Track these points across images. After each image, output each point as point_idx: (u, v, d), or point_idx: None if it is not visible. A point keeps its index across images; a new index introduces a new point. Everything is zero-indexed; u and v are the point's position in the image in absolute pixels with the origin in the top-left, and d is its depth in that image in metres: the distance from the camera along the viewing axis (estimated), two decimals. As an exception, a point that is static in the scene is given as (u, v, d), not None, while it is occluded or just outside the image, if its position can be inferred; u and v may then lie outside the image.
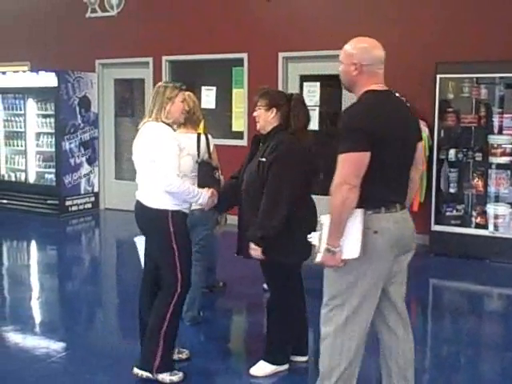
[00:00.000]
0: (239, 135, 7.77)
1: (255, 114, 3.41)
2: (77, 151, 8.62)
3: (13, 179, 9.02)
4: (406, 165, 2.72)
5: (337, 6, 7.12)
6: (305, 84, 7.37)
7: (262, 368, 3.48)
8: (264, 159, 3.26)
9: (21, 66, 9.30)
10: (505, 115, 6.08)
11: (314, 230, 3.41)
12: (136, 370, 3.36)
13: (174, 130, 3.43)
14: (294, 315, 3.47)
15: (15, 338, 4.14)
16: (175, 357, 3.62)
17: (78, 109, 8.58)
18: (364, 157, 2.50)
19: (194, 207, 3.62)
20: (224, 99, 7.93)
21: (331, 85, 7.39)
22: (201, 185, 3.59)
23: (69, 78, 8.42)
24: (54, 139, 8.47)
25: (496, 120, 6.14)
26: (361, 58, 2.62)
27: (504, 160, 6.04)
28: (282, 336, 3.48)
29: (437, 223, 6.25)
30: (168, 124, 3.33)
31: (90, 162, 8.87)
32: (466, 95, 6.24)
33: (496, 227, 6.12)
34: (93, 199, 8.94)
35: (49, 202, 8.50)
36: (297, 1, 7.37)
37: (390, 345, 2.80)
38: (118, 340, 4.20)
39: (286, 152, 3.23)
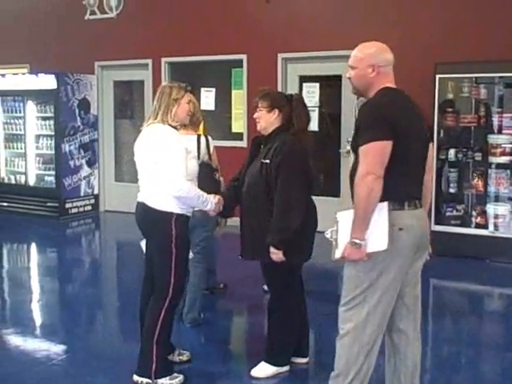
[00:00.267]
0: (239, 136, 7.77)
1: (256, 115, 3.40)
2: (76, 153, 8.62)
3: (13, 182, 9.02)
4: (422, 161, 2.76)
5: (336, 7, 7.12)
6: (304, 85, 7.38)
7: (263, 369, 3.48)
8: (268, 161, 3.25)
9: (20, 68, 9.30)
10: (504, 115, 6.08)
11: (315, 232, 3.44)
12: (136, 378, 3.32)
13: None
14: (294, 317, 3.47)
15: (16, 340, 4.14)
16: (176, 359, 3.63)
17: (77, 111, 8.58)
18: (387, 146, 2.51)
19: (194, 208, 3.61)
20: (223, 100, 7.93)
21: (331, 85, 7.41)
22: (201, 186, 3.59)
23: (68, 80, 8.42)
24: (53, 141, 8.47)
25: (495, 120, 6.14)
26: (377, 59, 2.70)
27: (504, 160, 6.04)
28: (283, 337, 3.47)
29: (437, 223, 6.24)
30: (174, 127, 3.29)
31: (90, 164, 8.87)
32: (466, 95, 6.24)
33: (496, 227, 6.12)
34: (93, 201, 8.94)
35: (49, 204, 8.49)
36: (296, 2, 7.37)
37: (399, 346, 2.81)
38: (118, 342, 4.19)
39: (291, 153, 3.23)
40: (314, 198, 3.42)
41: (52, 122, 8.46)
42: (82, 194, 8.74)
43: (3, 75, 8.89)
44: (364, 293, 2.63)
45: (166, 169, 3.16)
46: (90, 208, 8.87)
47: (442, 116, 6.21)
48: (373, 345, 2.68)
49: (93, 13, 8.79)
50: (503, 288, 5.43)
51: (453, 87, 6.24)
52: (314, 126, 6.44)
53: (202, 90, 7.85)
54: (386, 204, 2.55)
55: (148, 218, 3.28)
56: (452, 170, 6.32)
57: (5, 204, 8.90)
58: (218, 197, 3.45)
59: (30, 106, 8.70)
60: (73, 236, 8.10)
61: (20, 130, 8.81)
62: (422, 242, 2.69)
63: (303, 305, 3.58)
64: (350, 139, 7.18)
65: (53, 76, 8.29)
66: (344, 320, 2.71)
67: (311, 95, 7.24)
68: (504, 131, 6.05)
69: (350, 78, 2.79)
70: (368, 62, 2.69)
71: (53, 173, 8.55)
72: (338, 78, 7.26)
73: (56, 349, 3.99)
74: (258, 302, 4.85)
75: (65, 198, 8.48)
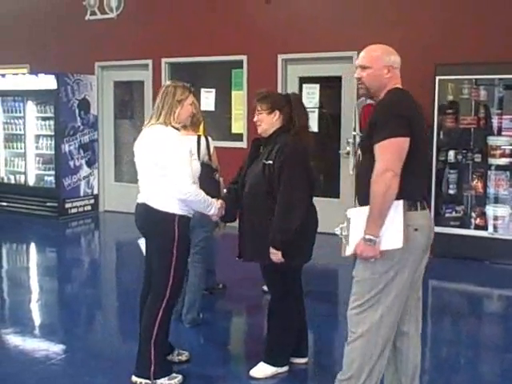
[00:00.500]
0: (239, 137, 7.77)
1: (256, 118, 3.38)
2: (76, 153, 8.62)
3: (12, 182, 9.02)
4: (428, 161, 2.78)
5: (336, 7, 7.13)
6: (304, 86, 7.38)
7: (262, 370, 3.48)
8: (270, 162, 3.25)
9: (20, 68, 9.30)
10: (504, 116, 6.08)
11: (316, 233, 3.44)
12: (134, 378, 3.31)
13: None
14: (293, 317, 3.47)
15: (15, 340, 4.14)
16: (175, 359, 3.63)
17: (77, 111, 8.58)
18: (405, 142, 2.53)
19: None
20: (223, 101, 7.93)
21: (330, 86, 7.41)
22: (201, 186, 3.58)
23: (68, 80, 8.43)
24: (53, 141, 8.47)
25: (495, 121, 6.14)
26: (391, 60, 2.73)
27: (503, 161, 6.04)
28: (282, 338, 3.47)
29: (436, 224, 6.21)
30: (176, 128, 3.25)
31: (90, 164, 8.87)
32: (466, 97, 6.24)
33: (495, 228, 6.12)
34: (92, 201, 8.94)
35: (48, 204, 8.49)
36: (296, 3, 7.38)
37: (401, 348, 2.82)
38: (117, 342, 4.19)
39: (293, 154, 3.23)
40: (313, 198, 3.43)
41: (52, 122, 8.46)
42: (81, 194, 8.74)
43: (3, 75, 8.89)
44: (379, 294, 2.62)
45: (173, 172, 3.13)
46: (89, 208, 8.87)
47: (441, 117, 6.21)
48: (386, 345, 2.68)
49: (93, 13, 8.79)
50: (502, 289, 5.44)
51: (453, 89, 6.25)
52: (313, 126, 6.43)
53: (202, 90, 7.85)
54: (401, 202, 2.55)
55: (150, 218, 3.26)
56: (452, 171, 6.33)
57: (4, 204, 8.90)
58: (220, 201, 3.44)
59: (30, 106, 8.70)
60: (72, 236, 8.10)
61: (20, 130, 8.81)
62: (429, 243, 2.72)
63: (302, 305, 3.58)
64: (350, 137, 7.19)
65: (53, 76, 8.30)
66: (356, 323, 2.68)
67: (311, 96, 7.25)
68: (504, 133, 6.05)
69: (360, 79, 2.76)
70: (384, 63, 2.71)
71: (52, 173, 8.55)
72: (338, 79, 7.27)
73: (55, 348, 3.99)
74: (257, 302, 4.85)
75: (64, 198, 8.48)
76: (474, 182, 6.25)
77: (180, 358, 3.65)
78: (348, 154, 6.84)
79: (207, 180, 3.89)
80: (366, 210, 2.59)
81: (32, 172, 8.82)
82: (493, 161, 6.09)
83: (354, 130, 6.57)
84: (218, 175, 4.30)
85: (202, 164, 3.99)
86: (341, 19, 7.04)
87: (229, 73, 7.91)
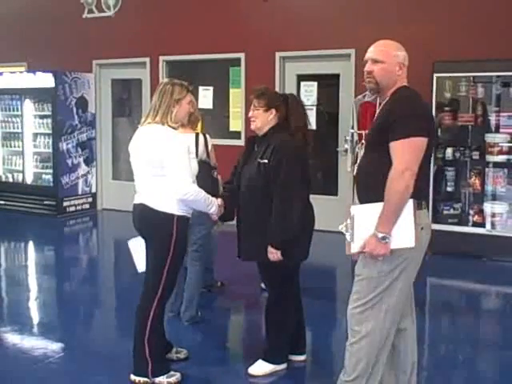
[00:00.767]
0: (237, 135, 7.78)
1: (251, 114, 3.37)
2: (74, 152, 8.62)
3: (10, 180, 9.01)
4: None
5: (334, 6, 7.12)
6: (302, 84, 7.38)
7: (260, 367, 3.49)
8: (266, 161, 3.24)
9: (18, 66, 9.29)
10: (501, 114, 6.09)
11: (313, 230, 3.44)
12: (133, 377, 3.31)
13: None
14: (291, 315, 3.47)
15: (13, 338, 4.14)
16: (173, 357, 3.63)
17: (75, 109, 8.57)
18: (424, 142, 2.53)
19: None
20: (221, 99, 7.93)
21: (328, 84, 7.41)
22: (199, 184, 3.58)
23: (66, 78, 8.42)
24: (51, 140, 8.47)
25: (493, 118, 6.15)
26: (402, 58, 2.72)
27: (501, 158, 6.05)
28: (281, 336, 3.48)
29: (434, 222, 6.24)
30: (173, 127, 3.21)
31: (88, 162, 8.87)
32: (463, 94, 6.25)
33: (493, 225, 6.13)
34: (90, 200, 8.93)
35: (46, 202, 8.49)
36: (294, 0, 7.37)
37: (398, 345, 2.83)
38: (116, 340, 4.19)
39: (289, 153, 3.22)
40: (311, 196, 3.43)
41: (50, 121, 8.46)
42: (79, 193, 8.73)
43: (1, 73, 8.88)
44: (383, 293, 2.61)
45: (172, 172, 3.11)
46: (87, 206, 8.87)
47: (439, 115, 6.22)
48: (388, 343, 2.70)
49: (90, 11, 8.78)
50: (500, 286, 5.45)
51: (450, 86, 6.25)
52: (311, 124, 6.43)
53: (200, 88, 7.85)
54: (411, 201, 2.55)
55: (148, 219, 3.23)
56: (449, 168, 6.33)
57: (2, 202, 8.89)
58: (220, 200, 3.44)
59: (28, 105, 8.69)
60: (70, 234, 8.09)
61: (18, 128, 8.80)
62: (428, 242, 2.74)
63: (299, 303, 3.59)
64: (348, 135, 7.17)
65: (50, 74, 8.28)
66: (359, 321, 2.66)
67: (309, 94, 7.24)
68: (501, 130, 6.06)
69: (370, 72, 2.69)
70: (397, 59, 2.69)
71: (50, 171, 8.54)
72: (336, 76, 7.27)
73: (53, 347, 3.98)
74: (255, 300, 4.86)
75: (62, 196, 8.47)
76: (472, 180, 6.26)
77: (178, 355, 3.66)
78: (346, 151, 6.85)
79: (206, 178, 3.89)
80: (370, 207, 2.59)
81: (30, 170, 8.81)
82: (491, 158, 6.10)
83: (352, 128, 6.58)
84: (217, 173, 4.30)
85: (201, 162, 3.98)
86: (338, 17, 7.04)
87: (227, 71, 7.91)
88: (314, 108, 7.18)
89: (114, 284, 5.79)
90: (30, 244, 7.32)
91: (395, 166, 2.50)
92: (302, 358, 3.66)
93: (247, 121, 3.42)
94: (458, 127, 6.35)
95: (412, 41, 6.67)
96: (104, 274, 6.19)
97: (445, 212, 6.35)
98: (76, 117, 8.60)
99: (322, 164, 7.33)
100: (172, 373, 3.36)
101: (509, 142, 6.02)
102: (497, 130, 6.10)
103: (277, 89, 7.10)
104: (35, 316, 4.78)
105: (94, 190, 8.99)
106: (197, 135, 4.22)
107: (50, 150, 8.49)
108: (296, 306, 3.54)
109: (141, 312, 3.29)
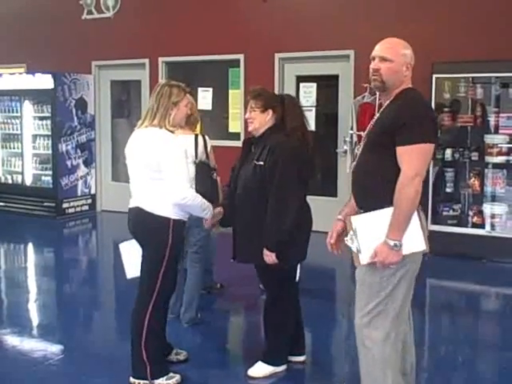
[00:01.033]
0: (236, 136, 7.77)
1: (248, 115, 3.36)
2: (73, 153, 8.61)
3: (9, 181, 9.00)
4: None
5: (333, 7, 7.12)
6: (301, 85, 7.38)
7: (260, 369, 3.48)
8: (261, 163, 3.23)
9: (17, 68, 9.29)
10: (501, 114, 6.08)
11: (310, 231, 3.43)
12: (132, 380, 3.30)
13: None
14: (290, 316, 3.47)
15: (13, 340, 4.13)
16: (173, 358, 3.62)
17: (74, 111, 8.57)
18: (432, 147, 2.52)
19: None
20: (220, 100, 7.93)
21: (328, 85, 7.41)
22: (199, 185, 3.58)
23: (65, 79, 8.42)
24: (50, 141, 8.47)
25: (492, 119, 6.15)
26: (411, 57, 2.68)
27: (500, 159, 6.05)
28: (279, 337, 3.47)
29: (433, 223, 6.25)
30: (171, 131, 3.19)
31: (87, 163, 8.87)
32: (462, 95, 6.25)
33: (493, 226, 6.13)
34: (90, 201, 8.93)
35: (45, 204, 8.49)
36: (293, 1, 7.38)
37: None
38: (115, 342, 4.19)
39: (285, 154, 3.21)
40: (310, 197, 3.43)
41: (49, 122, 8.46)
42: (78, 194, 8.73)
43: (0, 75, 8.87)
44: (387, 297, 2.58)
45: (170, 176, 3.09)
46: (86, 208, 8.87)
47: (438, 116, 6.21)
48: (401, 344, 2.69)
49: (90, 12, 8.78)
50: (500, 287, 5.44)
51: (449, 87, 6.25)
52: (310, 125, 6.43)
53: (200, 89, 7.85)
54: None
55: (144, 223, 3.20)
56: (449, 169, 6.33)
57: (1, 204, 8.89)
58: (218, 208, 3.42)
59: (27, 106, 8.69)
60: (70, 236, 8.09)
61: (17, 129, 8.79)
62: None
63: (298, 304, 3.58)
64: (347, 136, 7.16)
65: (50, 76, 8.29)
66: (370, 328, 2.62)
67: (308, 95, 7.25)
68: (500, 131, 6.06)
69: (377, 70, 2.63)
70: (405, 59, 2.65)
71: (50, 173, 8.54)
72: (335, 77, 7.27)
73: (53, 348, 3.98)
74: (254, 301, 4.86)
75: (62, 197, 8.47)
76: (472, 181, 6.26)
77: (178, 357, 3.65)
78: (345, 152, 6.84)
79: (205, 179, 3.89)
80: (371, 216, 2.56)
81: (29, 172, 8.81)
82: (490, 159, 6.10)
83: (352, 129, 6.58)
84: (216, 174, 4.30)
85: (200, 163, 3.98)
86: (337, 18, 7.04)
87: (226, 72, 7.91)
88: (314, 109, 7.16)
89: (114, 286, 5.78)
90: (30, 246, 7.32)
91: (404, 171, 2.46)
92: (301, 358, 3.66)
93: (246, 122, 3.41)
94: (457, 128, 6.35)
95: (411, 42, 6.61)
96: (103, 275, 6.18)
97: (444, 213, 6.35)
98: (75, 118, 8.60)
99: (321, 165, 7.31)
100: (171, 374, 3.35)
101: (508, 142, 6.02)
102: (496, 131, 6.10)
103: (276, 90, 7.11)
104: (35, 318, 4.78)
105: (93, 192, 8.99)
106: (196, 136, 4.22)
107: (50, 152, 8.48)
108: (294, 307, 3.53)
109: (137, 316, 3.27)
